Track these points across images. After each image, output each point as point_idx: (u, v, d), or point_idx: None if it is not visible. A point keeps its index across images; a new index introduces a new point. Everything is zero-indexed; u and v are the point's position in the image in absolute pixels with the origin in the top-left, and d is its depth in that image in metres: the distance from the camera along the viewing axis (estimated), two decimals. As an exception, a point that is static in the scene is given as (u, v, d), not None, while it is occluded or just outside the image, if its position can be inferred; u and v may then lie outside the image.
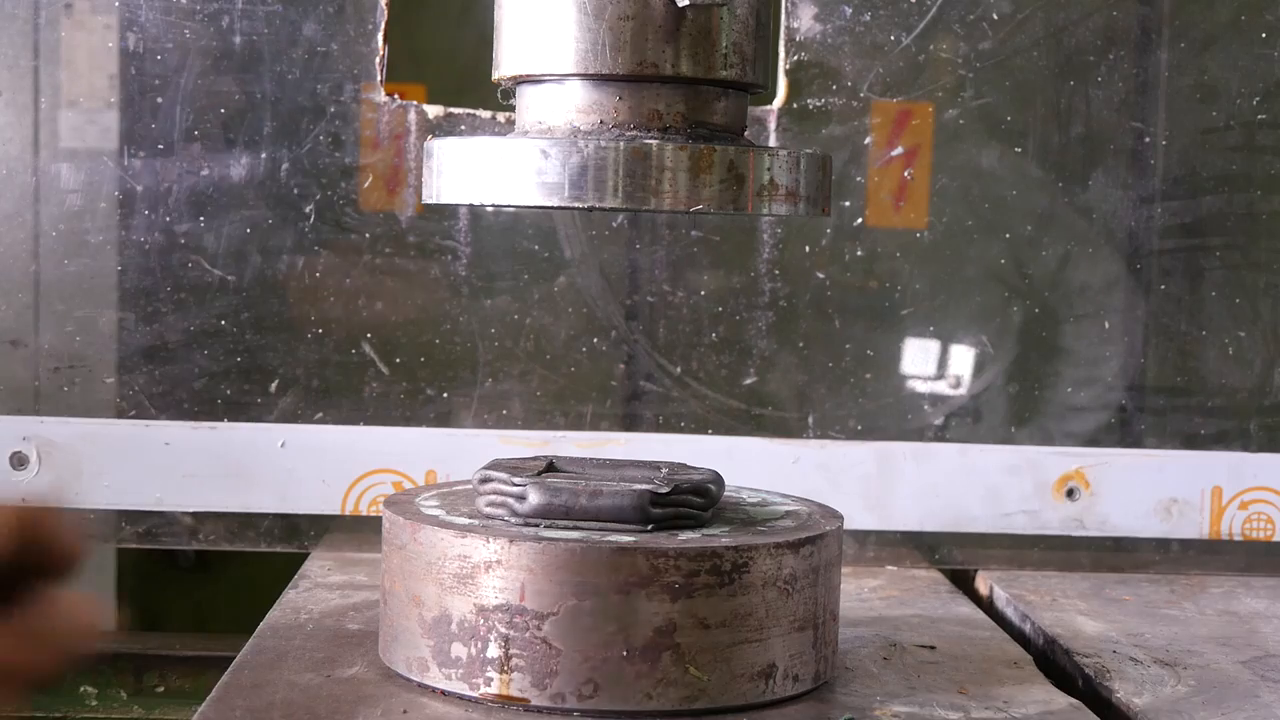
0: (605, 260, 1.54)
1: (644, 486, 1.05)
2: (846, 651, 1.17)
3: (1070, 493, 1.53)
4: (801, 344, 1.55)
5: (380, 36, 1.49)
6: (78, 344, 1.49)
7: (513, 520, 1.05)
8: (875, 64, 1.52)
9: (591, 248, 1.53)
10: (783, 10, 1.50)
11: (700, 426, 1.54)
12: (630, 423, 1.54)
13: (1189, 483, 1.55)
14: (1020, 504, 1.53)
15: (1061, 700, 1.10)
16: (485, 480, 1.08)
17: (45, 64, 1.49)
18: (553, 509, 1.04)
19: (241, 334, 1.49)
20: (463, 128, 1.50)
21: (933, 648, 1.22)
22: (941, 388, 1.57)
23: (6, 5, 1.48)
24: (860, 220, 1.54)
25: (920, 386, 1.57)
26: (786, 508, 1.15)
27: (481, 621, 1.01)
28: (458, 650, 1.02)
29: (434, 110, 1.50)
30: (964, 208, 1.56)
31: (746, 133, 1.11)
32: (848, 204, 1.54)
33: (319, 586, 1.34)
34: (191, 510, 1.49)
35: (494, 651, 1.00)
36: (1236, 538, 1.55)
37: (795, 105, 1.52)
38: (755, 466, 1.48)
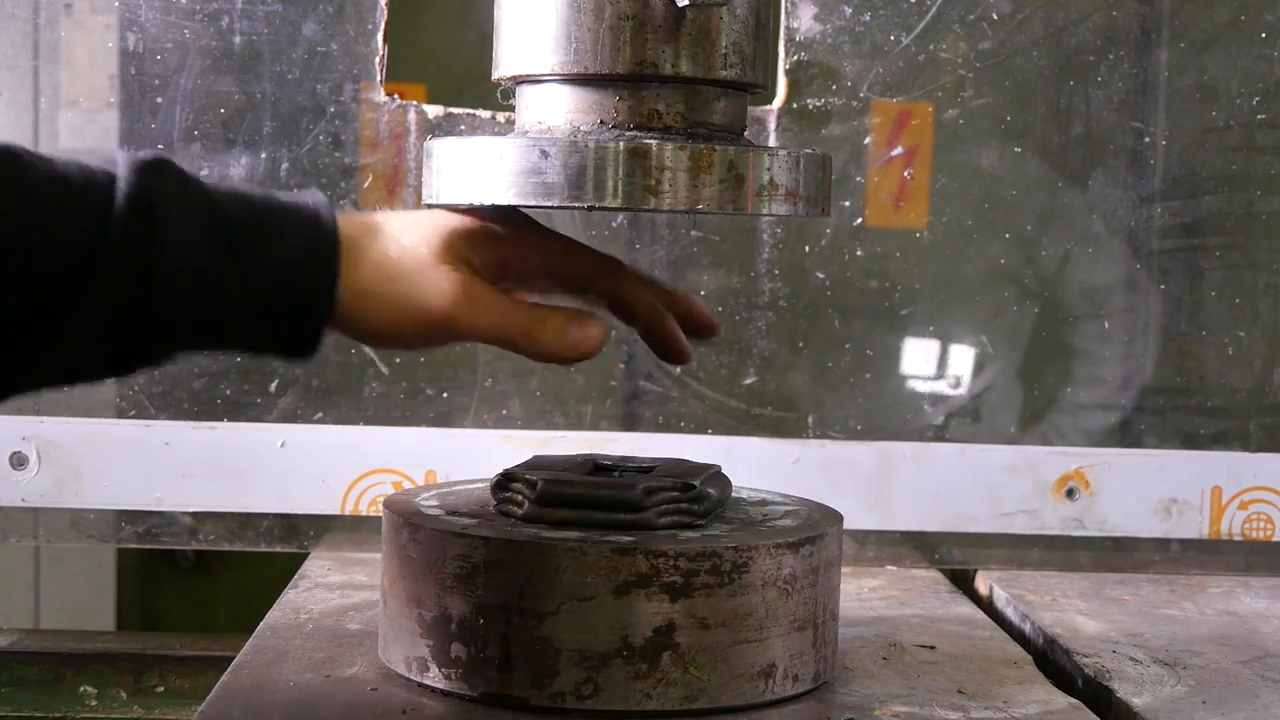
0: (605, 260, 1.54)
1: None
2: (846, 651, 1.17)
3: (1070, 493, 1.53)
4: (801, 344, 1.55)
5: (380, 36, 1.49)
6: (78, 344, 1.49)
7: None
8: (875, 64, 1.52)
9: (591, 248, 1.53)
10: (783, 10, 1.50)
11: (700, 426, 1.54)
12: (630, 423, 1.54)
13: (1189, 483, 1.54)
14: (1020, 504, 1.53)
15: (1061, 700, 1.10)
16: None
17: (45, 64, 1.49)
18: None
19: (241, 334, 1.49)
20: (463, 128, 1.50)
21: (933, 648, 1.22)
22: (941, 388, 1.57)
23: (6, 5, 1.47)
24: (860, 220, 1.54)
25: (920, 386, 1.57)
26: (786, 508, 1.15)
27: (481, 621, 1.01)
28: (458, 650, 1.02)
29: (434, 110, 1.50)
30: (964, 208, 1.56)
31: (746, 133, 1.11)
32: (848, 204, 1.54)
33: (319, 586, 1.34)
34: (191, 510, 1.49)
35: (494, 651, 1.00)
36: (1236, 538, 1.55)
37: (795, 105, 1.52)
38: (755, 466, 1.48)
